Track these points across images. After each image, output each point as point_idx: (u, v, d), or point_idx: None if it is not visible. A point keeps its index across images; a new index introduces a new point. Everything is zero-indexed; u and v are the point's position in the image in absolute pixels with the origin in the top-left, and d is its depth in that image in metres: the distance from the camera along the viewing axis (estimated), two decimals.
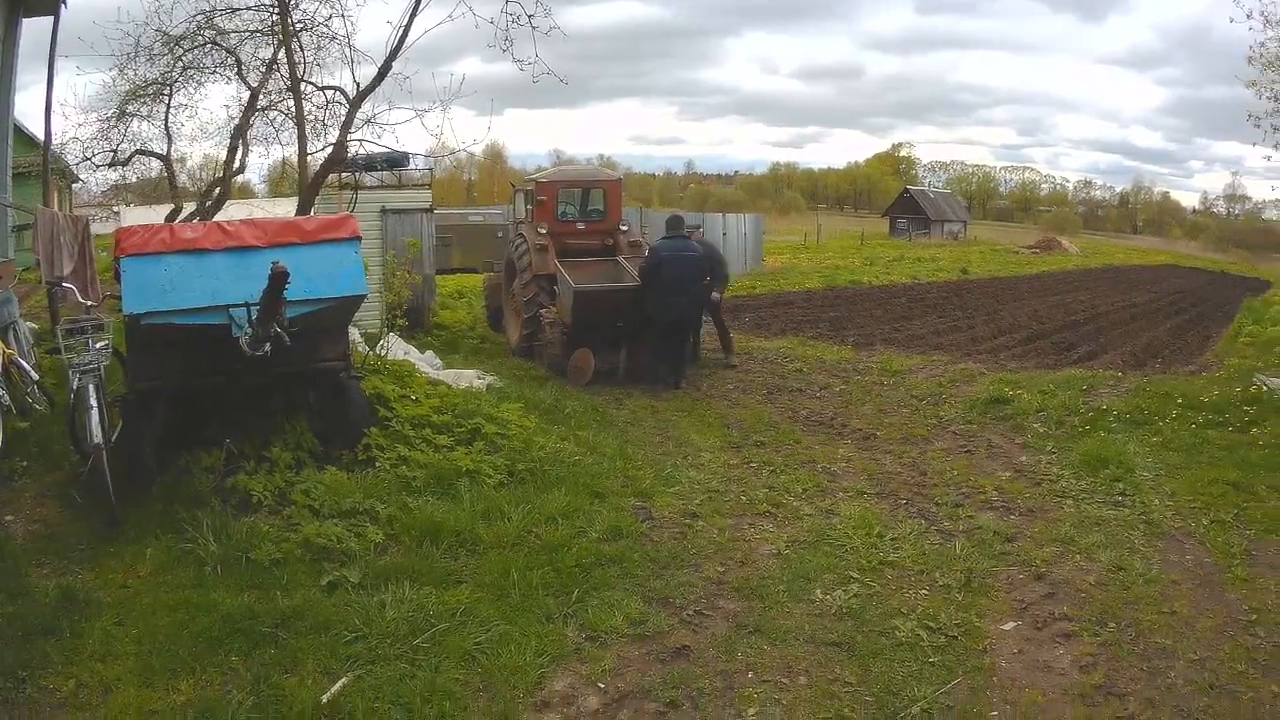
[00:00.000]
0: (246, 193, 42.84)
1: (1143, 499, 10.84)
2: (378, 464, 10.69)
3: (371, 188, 23.45)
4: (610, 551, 9.04)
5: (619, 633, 7.52)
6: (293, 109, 20.58)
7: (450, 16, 18.78)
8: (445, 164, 27.39)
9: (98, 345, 10.22)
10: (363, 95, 19.57)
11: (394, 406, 11.87)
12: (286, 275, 8.57)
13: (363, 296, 10.64)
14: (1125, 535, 9.77)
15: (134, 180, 23.94)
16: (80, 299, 12.04)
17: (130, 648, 7.06)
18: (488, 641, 7.22)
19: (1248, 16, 18.18)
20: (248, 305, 9.25)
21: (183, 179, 25.26)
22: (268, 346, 9.23)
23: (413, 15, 18.76)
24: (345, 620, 7.47)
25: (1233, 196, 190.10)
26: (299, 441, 10.76)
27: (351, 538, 8.95)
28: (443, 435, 11.55)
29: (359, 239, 10.78)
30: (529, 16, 18.65)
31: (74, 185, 32.16)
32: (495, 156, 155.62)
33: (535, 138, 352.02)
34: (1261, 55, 19.54)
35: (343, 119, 19.94)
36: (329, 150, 19.99)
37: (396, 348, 16.05)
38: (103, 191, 25.03)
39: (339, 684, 6.61)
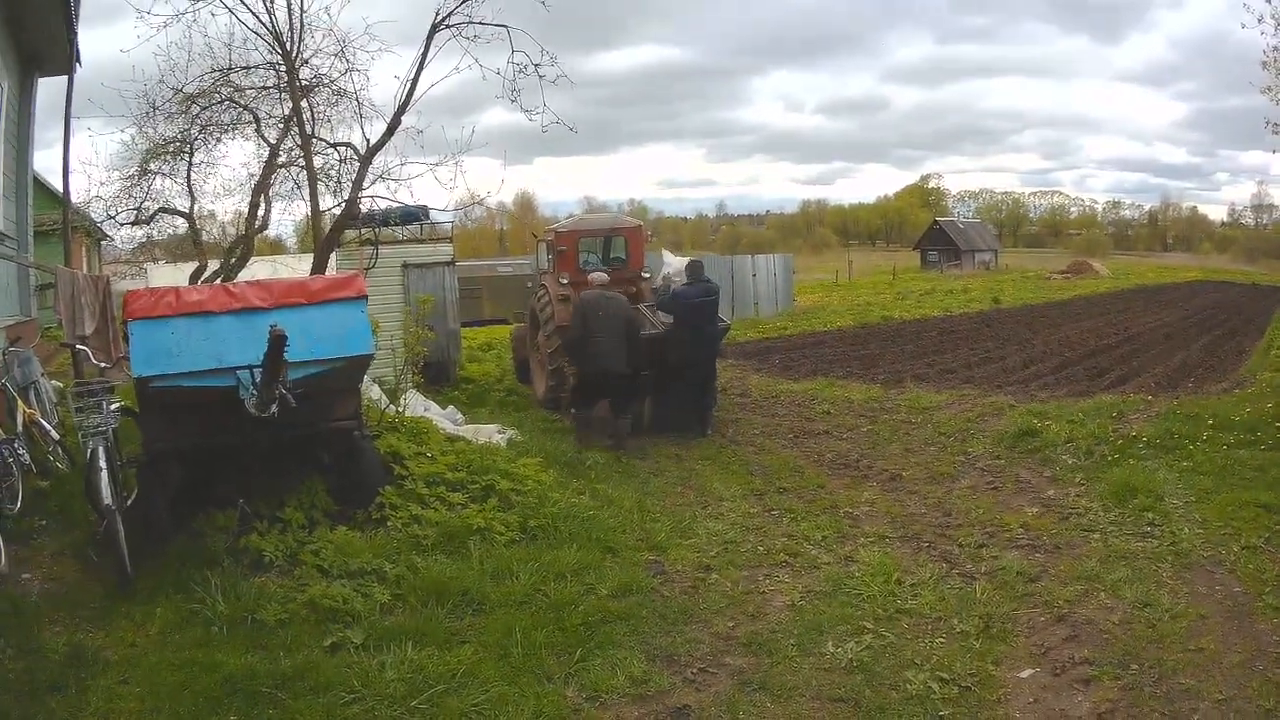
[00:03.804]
0: (279, 249, 43.07)
1: (1172, 528, 10.62)
2: (389, 523, 10.63)
3: (395, 242, 23.47)
4: (618, 608, 8.92)
5: (619, 693, 7.39)
6: (316, 167, 20.67)
7: (456, 69, 18.90)
8: (477, 214, 27.54)
9: (111, 407, 10.16)
10: (373, 151, 19.63)
11: (408, 465, 11.80)
12: (285, 338, 8.54)
13: (370, 356, 10.59)
14: (1153, 569, 9.54)
15: (163, 237, 24.18)
16: (94, 360, 12.02)
17: (133, 705, 7.08)
18: (485, 703, 7.15)
19: (1259, 20, 18.10)
20: (251, 368, 9.23)
21: (214, 234, 25.46)
22: (274, 408, 9.21)
23: (419, 70, 18.87)
24: (344, 681, 7.43)
25: (1260, 206, 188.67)
26: (313, 501, 10.75)
27: (358, 598, 8.90)
28: (457, 493, 11.47)
29: (365, 298, 10.73)
30: (535, 66, 18.64)
31: (102, 243, 32.39)
32: (526, 205, 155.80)
33: (566, 185, 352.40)
34: (1275, 60, 19.43)
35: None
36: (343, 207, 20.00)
37: (416, 404, 16.01)
38: (132, 249, 25.21)
39: None
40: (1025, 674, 7.58)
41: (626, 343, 16.77)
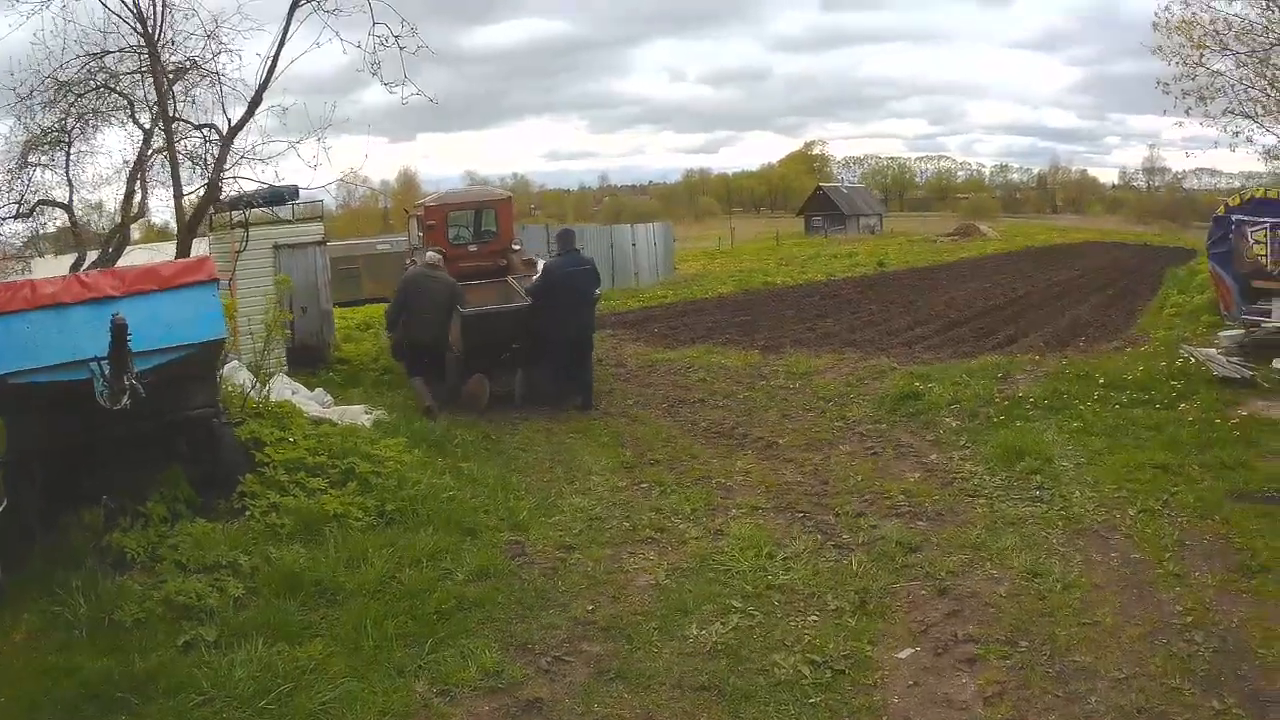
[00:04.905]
0: (167, 235, 42.34)
1: (1062, 492, 10.53)
2: (249, 513, 10.35)
3: (266, 223, 23.05)
4: (474, 594, 8.69)
5: (470, 686, 7.17)
6: (188, 150, 20.23)
7: (317, 43, 18.54)
8: (360, 194, 27.33)
9: None
10: (234, 131, 19.19)
11: (269, 451, 11.46)
12: (126, 327, 8.32)
13: (223, 340, 10.45)
14: (1042, 535, 9.43)
15: (52, 230, 23.65)
16: None
17: None
18: (333, 701, 6.94)
19: None
20: (99, 360, 8.93)
21: (101, 225, 24.92)
22: (125, 399, 8.90)
23: (279, 48, 18.51)
24: (195, 683, 7.22)
25: (1152, 169, 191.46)
26: (175, 494, 10.46)
27: (212, 593, 8.65)
28: (317, 478, 11.16)
29: (216, 281, 10.51)
30: (396, 38, 18.30)
31: None
32: (409, 182, 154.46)
33: (449, 161, 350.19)
34: (1167, 21, 19.87)
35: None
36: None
37: (283, 387, 15.62)
38: (21, 244, 24.59)
39: None
40: (904, 654, 7.38)
41: (446, 316, 17.22)
